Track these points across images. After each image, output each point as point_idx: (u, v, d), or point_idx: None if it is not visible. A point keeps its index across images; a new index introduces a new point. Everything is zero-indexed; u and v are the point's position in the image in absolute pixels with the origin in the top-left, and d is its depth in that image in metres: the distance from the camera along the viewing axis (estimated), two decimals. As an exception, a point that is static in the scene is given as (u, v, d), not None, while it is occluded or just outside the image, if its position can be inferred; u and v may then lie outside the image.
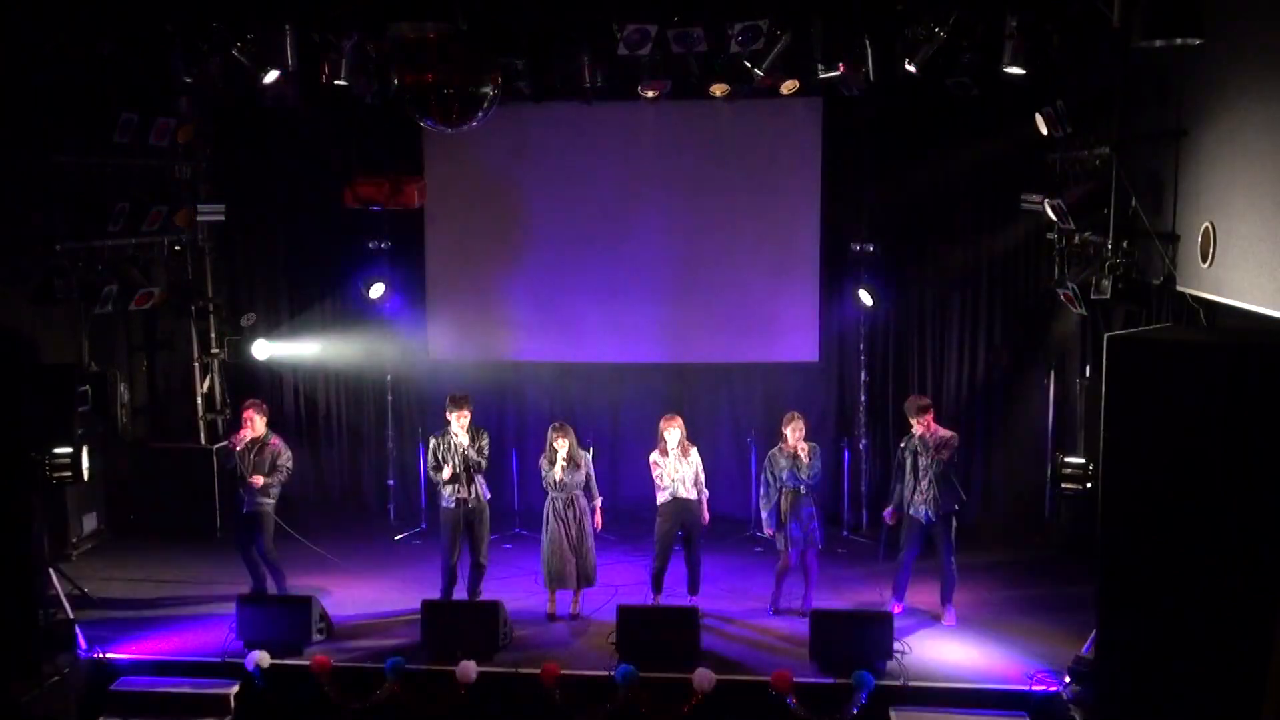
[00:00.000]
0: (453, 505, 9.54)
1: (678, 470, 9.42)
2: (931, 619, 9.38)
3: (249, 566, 9.80)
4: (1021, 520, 11.50)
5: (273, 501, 9.66)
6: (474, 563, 9.71)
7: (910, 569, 9.46)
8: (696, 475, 9.50)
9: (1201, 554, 6.49)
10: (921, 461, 9.15)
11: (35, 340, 9.89)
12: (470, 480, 9.49)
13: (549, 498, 9.49)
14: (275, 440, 9.72)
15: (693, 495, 9.47)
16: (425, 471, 10.38)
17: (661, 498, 9.52)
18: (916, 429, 9.20)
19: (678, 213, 11.86)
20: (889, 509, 9.48)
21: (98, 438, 10.65)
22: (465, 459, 9.43)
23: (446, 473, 9.42)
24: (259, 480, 9.47)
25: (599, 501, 9.68)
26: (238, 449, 9.57)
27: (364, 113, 11.03)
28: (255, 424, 9.60)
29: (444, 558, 9.67)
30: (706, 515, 9.63)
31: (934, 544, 9.33)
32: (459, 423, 9.47)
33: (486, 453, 9.58)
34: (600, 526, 9.67)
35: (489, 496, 9.71)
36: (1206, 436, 6.40)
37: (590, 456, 9.74)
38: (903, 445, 9.40)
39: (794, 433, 9.28)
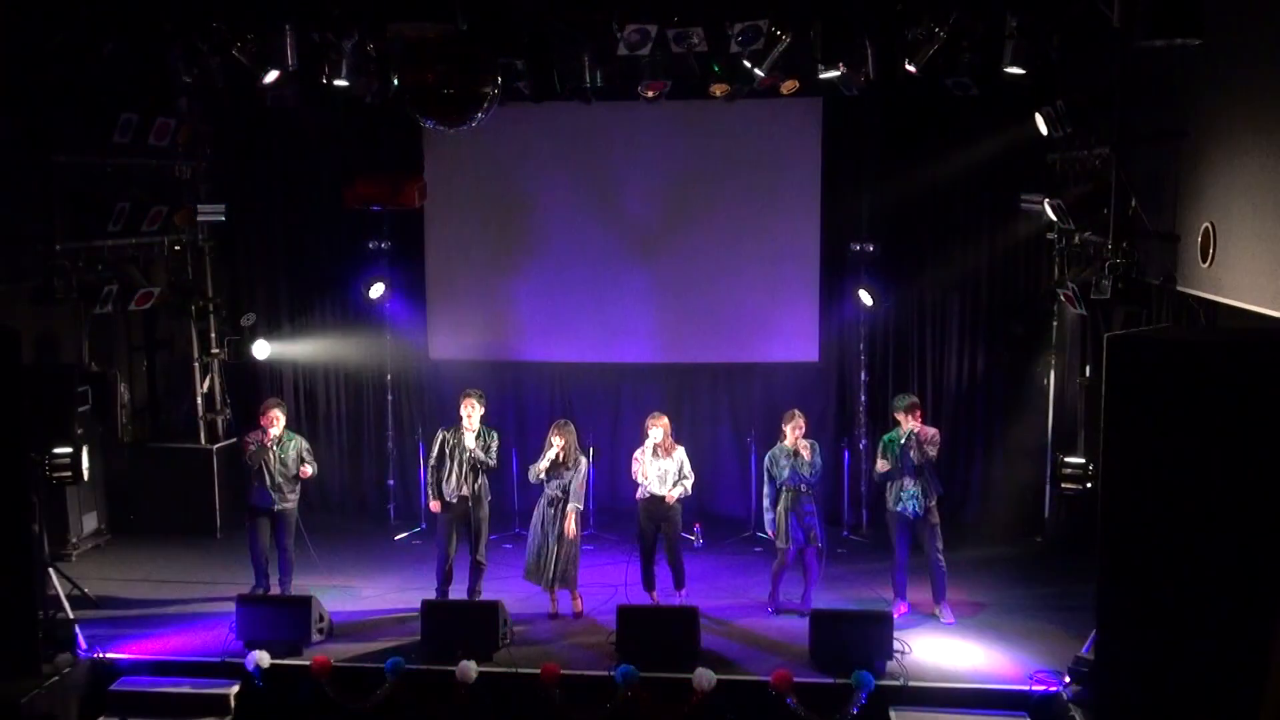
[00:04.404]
0: (454, 501, 9.55)
1: (657, 468, 9.42)
2: (931, 618, 9.38)
3: (256, 564, 9.83)
4: (1021, 520, 11.49)
5: (297, 497, 9.79)
6: (473, 561, 9.71)
7: (906, 567, 9.48)
8: (680, 472, 9.47)
9: (1201, 554, 6.49)
10: (907, 460, 9.19)
11: (35, 340, 9.89)
12: (475, 479, 9.49)
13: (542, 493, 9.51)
14: (299, 439, 9.84)
15: (672, 493, 9.45)
16: (425, 468, 10.29)
17: (640, 494, 9.54)
18: (909, 425, 9.23)
19: (677, 212, 11.86)
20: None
21: (98, 438, 10.65)
22: (472, 458, 9.43)
23: (433, 452, 9.54)
24: (308, 471, 9.68)
25: (575, 505, 9.32)
26: (268, 444, 9.61)
27: (364, 113, 11.03)
28: (278, 421, 9.67)
29: (439, 555, 9.70)
30: (689, 488, 9.52)
31: (920, 541, 9.36)
32: (468, 419, 9.47)
33: (495, 454, 9.56)
34: (571, 533, 9.27)
35: (490, 497, 9.71)
36: (1206, 436, 6.40)
37: (589, 457, 9.69)
38: (887, 445, 9.38)
39: (794, 430, 9.31)
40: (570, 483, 9.35)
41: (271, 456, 9.61)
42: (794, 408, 9.64)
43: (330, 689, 8.45)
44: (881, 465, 9.41)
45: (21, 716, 7.87)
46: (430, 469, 9.68)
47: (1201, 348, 6.83)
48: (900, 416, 9.32)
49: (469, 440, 9.45)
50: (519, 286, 12.09)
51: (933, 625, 9.28)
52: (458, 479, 9.49)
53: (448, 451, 9.49)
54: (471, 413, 9.47)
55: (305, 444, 9.87)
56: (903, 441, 9.26)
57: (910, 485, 9.24)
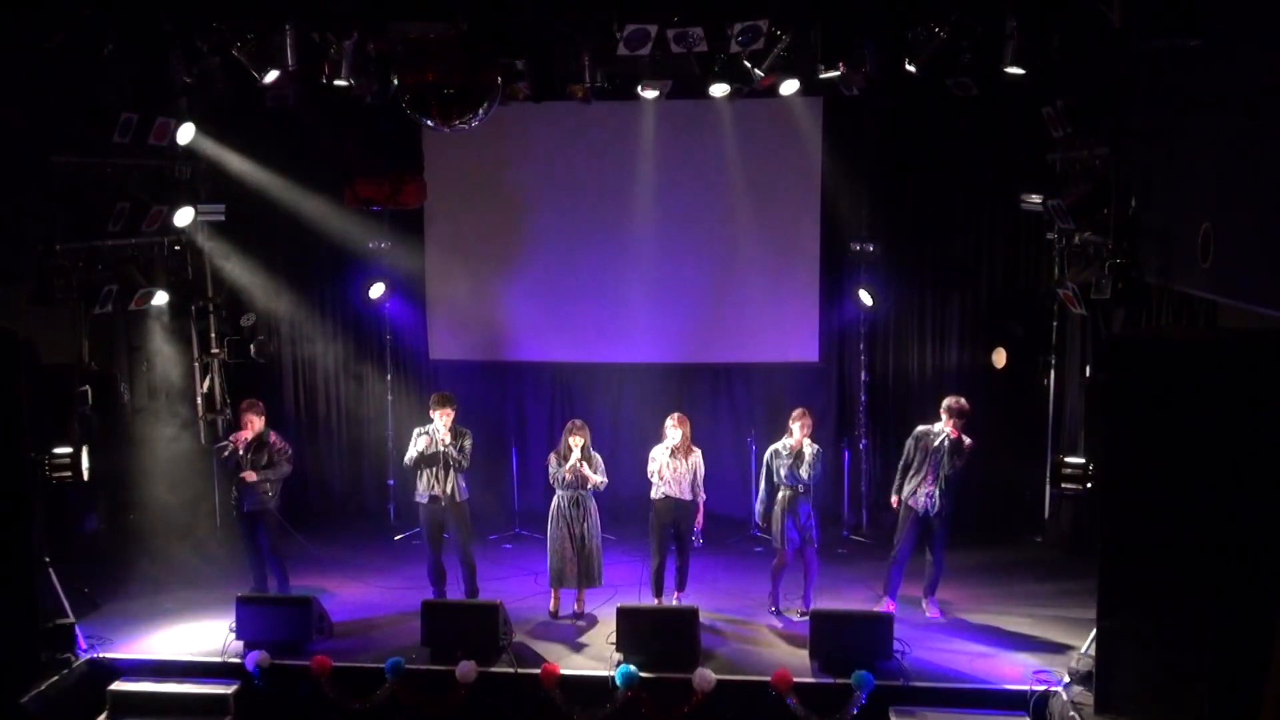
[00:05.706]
0: (425, 501, 9.57)
1: (674, 470, 9.41)
2: (924, 615, 9.39)
3: (251, 566, 9.84)
4: (1021, 520, 11.49)
5: (273, 498, 9.71)
6: (461, 562, 9.71)
7: (905, 566, 9.46)
8: (694, 478, 9.48)
9: (1201, 553, 6.50)
10: (936, 460, 9.14)
11: (35, 340, 9.88)
12: (446, 478, 9.47)
13: (556, 495, 9.49)
14: (274, 437, 9.77)
15: (687, 496, 9.45)
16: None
17: (655, 495, 9.52)
18: (947, 429, 9.13)
19: (677, 213, 11.85)
20: (895, 498, 9.48)
21: (98, 438, 10.63)
22: (445, 457, 9.42)
23: (414, 452, 9.42)
24: (252, 475, 9.53)
25: (601, 481, 9.52)
26: (240, 449, 9.58)
27: (364, 113, 11.02)
28: (254, 424, 9.63)
29: (428, 555, 9.71)
30: (700, 520, 9.64)
31: (928, 536, 9.35)
32: (442, 420, 9.47)
33: (468, 453, 9.56)
34: (584, 473, 9.43)
35: (466, 496, 9.66)
36: (1206, 436, 6.41)
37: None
38: (919, 438, 9.32)
39: (802, 430, 9.28)
40: (593, 480, 9.45)
41: (245, 458, 9.57)
42: (795, 409, 9.60)
43: (330, 689, 8.46)
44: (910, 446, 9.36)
45: (21, 716, 7.87)
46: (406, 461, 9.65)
47: (1201, 348, 6.84)
48: (945, 417, 9.20)
49: (445, 438, 9.44)
50: (519, 286, 12.09)
51: (933, 625, 9.29)
52: (429, 478, 9.49)
53: (422, 452, 9.48)
54: (445, 418, 9.46)
55: (282, 445, 9.76)
56: (935, 443, 9.21)
57: (930, 482, 9.20)
